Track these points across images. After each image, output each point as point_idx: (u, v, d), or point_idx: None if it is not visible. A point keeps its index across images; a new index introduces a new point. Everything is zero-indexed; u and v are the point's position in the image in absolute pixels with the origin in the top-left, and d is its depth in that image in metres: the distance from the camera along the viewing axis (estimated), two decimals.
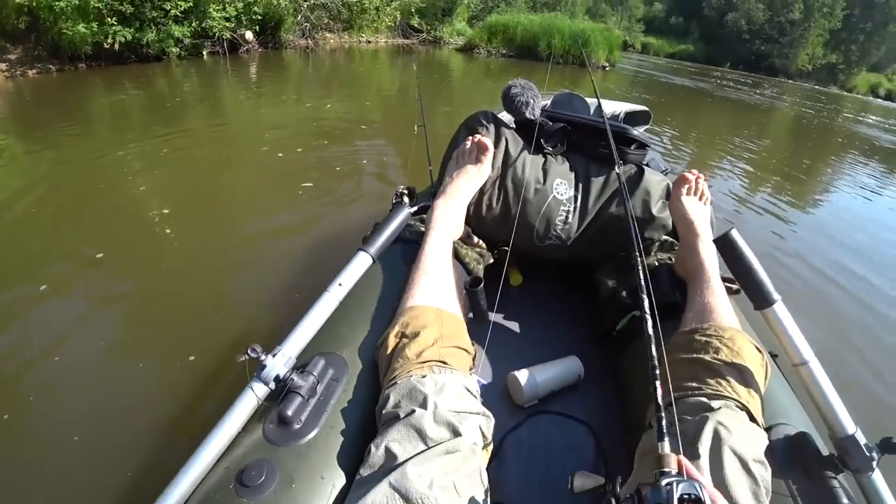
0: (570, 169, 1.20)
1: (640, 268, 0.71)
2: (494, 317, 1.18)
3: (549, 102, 1.48)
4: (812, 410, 0.77)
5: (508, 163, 1.15)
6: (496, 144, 1.16)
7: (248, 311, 1.63)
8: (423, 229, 1.00)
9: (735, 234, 0.80)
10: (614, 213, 1.15)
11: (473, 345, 0.83)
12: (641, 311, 0.65)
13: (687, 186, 1.08)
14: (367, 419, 0.69)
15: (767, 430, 0.73)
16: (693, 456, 0.60)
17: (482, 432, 0.67)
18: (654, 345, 0.60)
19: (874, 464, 0.66)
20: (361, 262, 0.87)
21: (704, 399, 0.68)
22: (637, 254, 0.75)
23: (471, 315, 1.05)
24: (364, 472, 0.58)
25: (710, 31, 32.48)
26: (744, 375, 0.71)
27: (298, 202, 2.46)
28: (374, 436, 0.63)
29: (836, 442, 0.70)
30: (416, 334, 0.73)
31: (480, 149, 1.09)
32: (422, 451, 0.58)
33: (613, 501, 0.46)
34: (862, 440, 0.67)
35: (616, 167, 1.06)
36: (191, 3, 5.69)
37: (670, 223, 1.14)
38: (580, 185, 1.18)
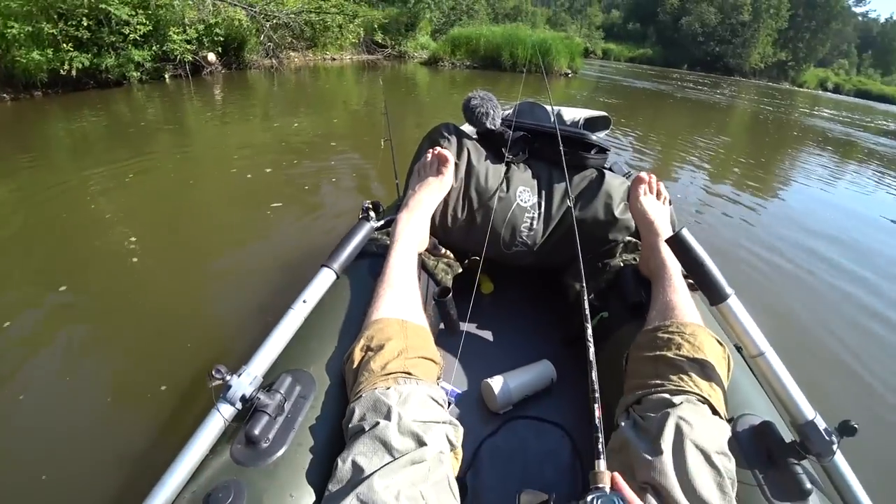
0: (532, 176, 1.23)
1: (584, 297, 0.73)
2: (467, 326, 1.18)
3: (511, 111, 1.51)
4: (776, 398, 0.79)
5: (471, 173, 1.17)
6: (458, 155, 1.18)
7: (220, 335, 1.60)
8: (389, 243, 1.00)
9: (685, 233, 0.82)
10: (578, 216, 1.17)
11: (443, 355, 0.84)
12: (581, 329, 0.67)
13: (644, 186, 1.11)
14: (336, 434, 0.69)
15: (733, 421, 0.74)
16: (656, 452, 0.61)
17: (449, 440, 0.67)
18: (594, 370, 0.63)
19: (835, 447, 0.67)
20: (325, 279, 0.87)
21: (667, 395, 0.69)
22: (582, 286, 0.77)
23: (442, 326, 1.06)
24: (332, 487, 0.58)
25: (666, 35, 33.62)
26: (705, 369, 0.73)
27: (268, 223, 2.44)
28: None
29: (798, 428, 0.71)
30: (380, 347, 0.73)
31: (441, 161, 1.11)
32: (388, 463, 0.58)
33: None
34: (822, 425, 0.69)
35: (565, 171, 1.08)
36: (150, 27, 5.60)
37: (633, 224, 1.16)
38: (543, 192, 1.20)
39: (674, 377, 0.72)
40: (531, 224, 1.17)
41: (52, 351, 1.52)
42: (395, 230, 0.99)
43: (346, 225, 1.02)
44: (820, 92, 32.77)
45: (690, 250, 0.80)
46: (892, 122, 14.72)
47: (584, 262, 1.17)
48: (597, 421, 0.56)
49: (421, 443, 0.62)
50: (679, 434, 0.62)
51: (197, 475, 0.62)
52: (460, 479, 0.83)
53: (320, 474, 0.63)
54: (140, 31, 5.46)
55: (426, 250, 1.10)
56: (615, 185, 1.20)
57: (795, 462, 0.67)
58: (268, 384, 0.71)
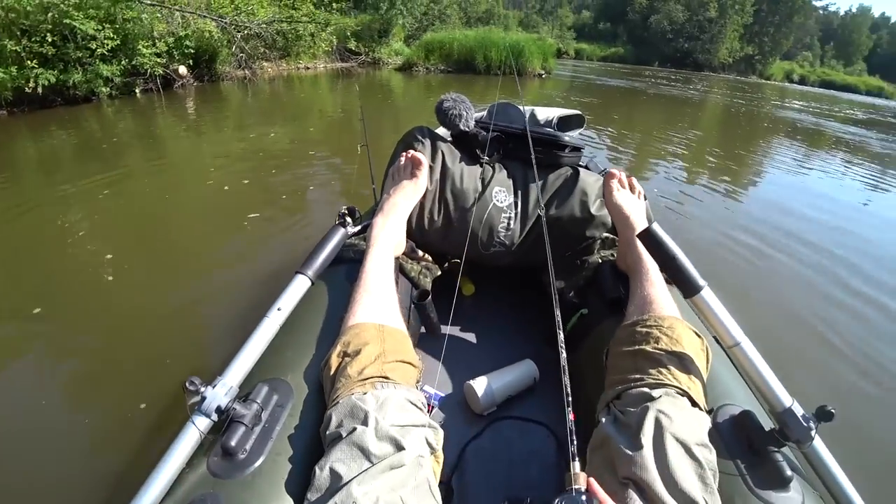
0: (508, 176, 1.23)
1: (556, 308, 0.73)
2: (449, 328, 1.18)
3: (485, 113, 1.51)
4: (754, 388, 0.80)
5: (446, 175, 1.17)
6: (433, 158, 1.17)
7: (200, 350, 1.57)
8: (364, 248, 0.99)
9: (656, 227, 0.82)
10: (554, 214, 1.18)
11: (425, 358, 0.83)
12: (556, 325, 0.67)
13: (616, 181, 1.12)
14: (316, 443, 0.68)
15: (714, 412, 0.75)
16: (636, 447, 0.61)
17: (429, 444, 0.67)
18: (567, 375, 0.63)
19: (813, 433, 0.68)
20: (299, 285, 0.86)
21: (646, 389, 0.70)
22: (554, 293, 0.77)
23: (423, 329, 1.05)
24: (311, 496, 0.57)
25: (636, 34, 34.24)
26: (684, 362, 0.73)
27: (245, 234, 2.41)
28: None
29: (776, 416, 0.72)
30: (357, 352, 0.72)
31: (414, 163, 1.11)
32: (366, 469, 0.57)
33: None
34: (799, 412, 0.69)
35: (535, 172, 1.09)
36: (118, 41, 5.49)
37: (610, 220, 1.17)
38: (519, 192, 1.21)
39: (653, 371, 0.72)
40: (508, 224, 1.17)
41: (27, 375, 1.48)
42: (370, 235, 0.99)
43: (323, 232, 1.02)
44: (787, 84, 33.76)
45: (662, 245, 0.81)
46: (859, 111, 15.23)
47: (563, 260, 1.19)
48: (570, 424, 0.56)
49: (399, 447, 0.61)
50: (659, 428, 0.62)
51: (173, 490, 0.61)
52: (446, 483, 0.83)
53: (299, 484, 0.62)
54: (107, 45, 5.34)
55: (404, 254, 1.10)
56: (590, 182, 1.21)
57: (776, 450, 0.68)
58: (244, 394, 0.70)
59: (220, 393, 0.66)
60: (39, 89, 4.86)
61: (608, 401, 0.74)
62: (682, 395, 0.69)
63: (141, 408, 1.32)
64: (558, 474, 0.88)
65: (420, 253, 1.14)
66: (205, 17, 7.02)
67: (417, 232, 1.15)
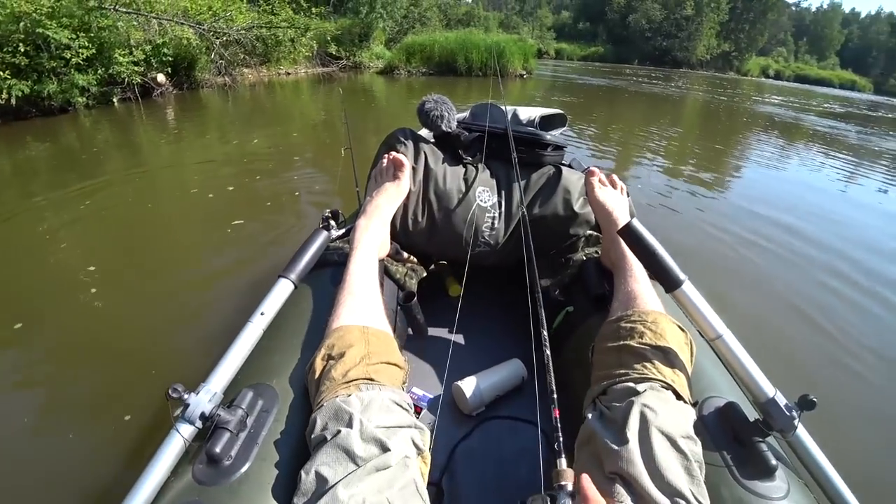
0: (491, 176, 1.24)
1: (540, 307, 0.74)
2: (436, 329, 1.18)
3: (467, 114, 1.52)
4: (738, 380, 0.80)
5: (430, 176, 1.17)
6: (416, 159, 1.18)
7: (185, 359, 1.55)
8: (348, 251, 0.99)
9: (636, 223, 0.83)
10: (538, 213, 1.19)
11: (413, 360, 0.83)
12: (531, 322, 0.67)
13: (597, 178, 1.13)
14: (302, 448, 0.67)
15: (699, 404, 0.76)
16: (622, 441, 0.62)
17: (416, 445, 0.67)
18: (551, 373, 0.63)
19: (796, 422, 0.69)
20: (282, 289, 0.85)
21: (631, 384, 0.70)
22: (537, 291, 0.78)
23: (409, 330, 1.05)
24: (297, 500, 0.57)
25: (615, 33, 34.66)
26: (668, 356, 0.74)
27: (230, 241, 2.38)
28: None
29: (760, 407, 0.72)
30: (341, 355, 0.72)
31: (396, 165, 1.11)
32: (352, 472, 0.57)
33: None
34: (782, 401, 0.70)
35: (517, 171, 1.10)
36: (93, 50, 5.39)
37: (593, 218, 1.18)
38: (503, 192, 1.21)
39: (637, 365, 0.72)
40: (492, 224, 1.17)
41: (8, 392, 1.45)
42: (353, 237, 0.98)
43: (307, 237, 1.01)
44: (763, 79, 34.48)
45: (641, 240, 0.81)
46: (836, 105, 15.59)
47: (548, 258, 1.20)
48: (555, 421, 0.56)
49: (385, 449, 0.61)
50: (644, 422, 0.63)
51: (158, 499, 0.60)
52: (436, 484, 0.82)
53: (286, 489, 0.62)
54: (83, 54, 5.24)
55: (389, 256, 1.09)
56: (573, 180, 1.22)
57: (760, 440, 0.68)
58: (229, 400, 0.69)
59: (203, 399, 0.65)
60: (13, 101, 4.75)
61: (594, 396, 0.75)
62: (667, 389, 0.70)
63: (126, 420, 1.30)
64: (549, 472, 0.88)
65: (405, 255, 1.14)
66: (182, 24, 6.92)
67: (402, 233, 1.15)
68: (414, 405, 0.82)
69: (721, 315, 0.78)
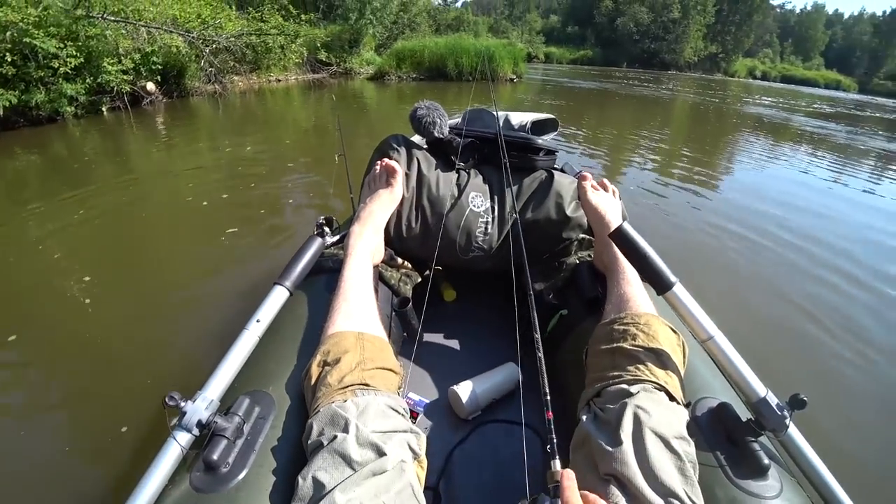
0: (483, 181, 1.24)
1: (532, 309, 0.74)
2: (431, 335, 1.19)
3: (459, 120, 1.53)
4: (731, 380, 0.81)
5: (422, 182, 1.17)
6: (408, 165, 1.18)
7: (181, 369, 1.54)
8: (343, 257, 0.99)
9: (626, 226, 0.84)
10: (531, 218, 1.20)
11: (408, 365, 0.83)
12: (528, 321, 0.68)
13: (589, 182, 1.14)
14: (299, 454, 0.67)
15: (692, 405, 0.76)
16: (616, 443, 0.62)
17: (412, 449, 0.67)
18: (544, 376, 0.63)
19: (787, 421, 0.70)
20: (278, 297, 0.86)
21: (624, 385, 0.71)
22: (530, 293, 0.78)
23: (405, 335, 1.05)
24: None
25: (604, 36, 34.95)
26: (661, 358, 0.74)
27: (224, 249, 2.37)
28: None
29: (752, 406, 0.73)
30: (337, 361, 0.72)
31: (389, 172, 1.11)
32: (349, 477, 0.58)
33: None
34: (774, 401, 0.71)
35: (509, 176, 1.11)
36: (81, 59, 5.35)
37: (586, 221, 1.19)
38: (495, 196, 1.22)
39: (630, 367, 0.73)
40: (486, 228, 1.18)
41: (3, 405, 1.44)
42: (347, 244, 0.99)
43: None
44: (750, 80, 34.94)
45: (632, 243, 0.82)
46: (824, 105, 15.80)
47: (541, 262, 1.21)
48: (548, 423, 0.57)
49: (381, 453, 0.61)
50: (637, 423, 0.63)
51: None
52: (433, 488, 0.82)
53: (283, 495, 0.62)
54: (71, 63, 5.21)
55: (383, 262, 1.10)
56: (565, 184, 1.23)
57: (753, 440, 0.69)
58: (226, 408, 0.69)
59: (200, 407, 0.65)
60: (0, 111, 4.71)
61: (588, 399, 0.75)
62: (660, 390, 0.70)
63: (122, 431, 1.29)
64: (544, 474, 0.89)
65: (399, 260, 1.14)
66: (171, 32, 6.90)
67: (396, 239, 1.16)
68: (410, 410, 0.83)
69: (712, 315, 0.79)
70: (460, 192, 1.19)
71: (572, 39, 38.06)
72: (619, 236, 0.84)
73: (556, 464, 0.53)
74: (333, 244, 1.09)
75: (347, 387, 0.69)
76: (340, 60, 11.76)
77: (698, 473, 0.62)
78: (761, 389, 0.73)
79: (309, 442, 0.64)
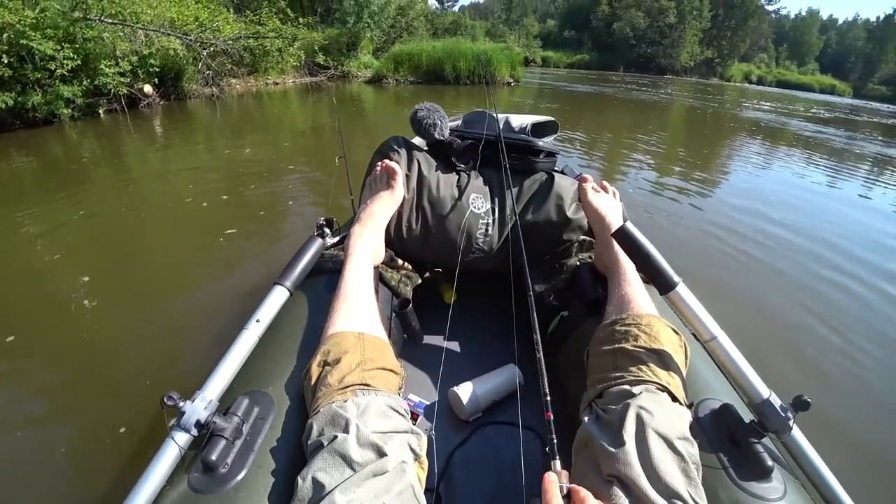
0: (484, 183, 1.24)
1: (533, 310, 0.74)
2: (431, 336, 1.18)
3: (460, 122, 1.53)
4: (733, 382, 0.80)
5: (423, 183, 1.17)
6: (409, 167, 1.18)
7: (180, 369, 1.54)
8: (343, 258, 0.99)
9: (629, 226, 0.83)
10: (531, 219, 1.20)
11: (408, 367, 0.83)
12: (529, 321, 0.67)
13: (590, 184, 1.14)
14: (298, 455, 0.67)
15: (694, 406, 0.76)
16: (619, 444, 0.62)
17: (412, 450, 0.67)
18: (544, 377, 0.63)
19: (791, 423, 0.69)
20: (278, 297, 0.85)
21: (626, 386, 0.70)
22: (530, 294, 0.78)
23: (405, 337, 1.05)
24: None
25: (601, 41, 35.11)
26: (663, 358, 0.74)
27: (223, 250, 2.37)
28: None
29: (755, 408, 0.72)
30: (337, 361, 0.72)
31: (390, 173, 1.11)
32: (349, 477, 0.57)
33: None
34: (777, 402, 0.70)
35: (508, 178, 1.11)
36: (78, 61, 5.34)
37: (586, 223, 1.19)
38: (496, 198, 1.22)
39: (633, 368, 0.72)
40: (486, 230, 1.18)
41: (1, 406, 1.43)
42: (348, 244, 0.98)
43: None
44: (746, 84, 35.17)
45: (635, 242, 0.82)
46: (823, 110, 15.93)
47: (542, 263, 1.20)
48: (548, 424, 0.57)
49: (381, 454, 0.61)
50: (640, 424, 0.63)
51: None
52: (433, 490, 0.82)
53: (282, 496, 0.61)
54: (68, 65, 5.19)
55: (383, 263, 1.09)
56: (565, 186, 1.23)
57: (756, 441, 0.68)
58: (224, 408, 0.69)
59: (199, 407, 0.64)
60: None
61: (590, 400, 0.75)
62: (663, 391, 0.70)
63: (120, 432, 1.29)
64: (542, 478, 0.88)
65: (399, 262, 1.14)
66: (169, 34, 6.89)
67: (396, 241, 1.15)
68: (410, 412, 0.82)
69: (714, 316, 0.79)
70: (461, 193, 1.19)
71: (569, 44, 38.24)
72: (623, 236, 0.84)
73: (557, 464, 0.53)
74: (334, 245, 1.09)
75: (348, 387, 0.69)
76: (338, 64, 11.78)
77: (701, 475, 0.61)
78: (764, 391, 0.72)
79: (309, 442, 0.63)
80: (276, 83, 10.09)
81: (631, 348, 0.75)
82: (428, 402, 1.01)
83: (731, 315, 1.90)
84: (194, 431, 0.64)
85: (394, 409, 0.69)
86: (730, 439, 0.71)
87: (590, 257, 1.14)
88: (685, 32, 32.97)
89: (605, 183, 1.18)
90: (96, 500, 1.11)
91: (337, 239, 1.10)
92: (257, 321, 0.79)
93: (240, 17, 9.31)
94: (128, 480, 1.09)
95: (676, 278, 0.79)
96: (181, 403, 0.63)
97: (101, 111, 5.90)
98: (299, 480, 0.58)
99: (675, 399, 0.70)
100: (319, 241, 0.98)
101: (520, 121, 1.55)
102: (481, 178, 1.25)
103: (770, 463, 0.66)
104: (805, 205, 3.79)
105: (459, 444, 0.93)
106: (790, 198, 3.97)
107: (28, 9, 5.01)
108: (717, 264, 2.51)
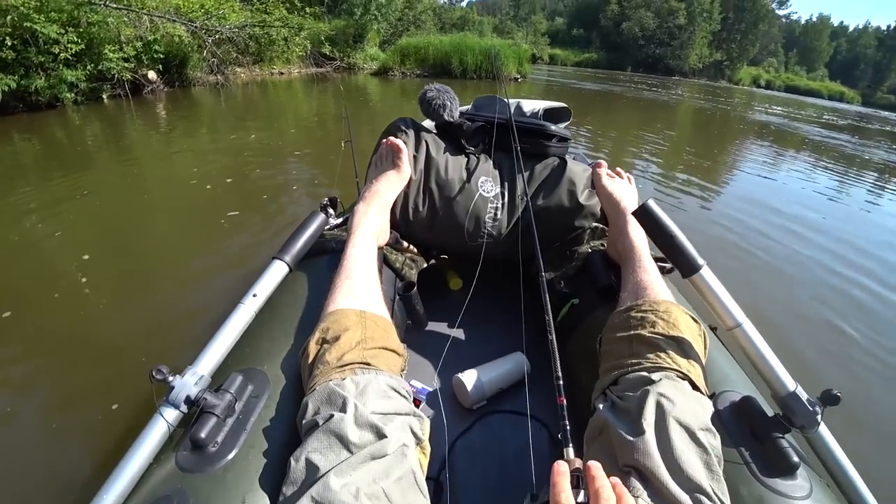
0: (494, 166, 1.20)
1: (545, 292, 0.71)
2: (435, 323, 1.15)
3: (470, 107, 1.49)
4: (755, 374, 0.77)
5: (431, 165, 1.13)
6: (417, 148, 1.14)
7: (176, 348, 1.52)
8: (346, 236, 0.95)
9: (652, 204, 0.79)
10: (542, 205, 1.16)
11: (411, 353, 0.79)
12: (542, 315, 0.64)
13: (605, 169, 1.10)
14: (293, 436, 0.63)
15: (712, 398, 0.72)
16: (638, 432, 0.58)
17: (414, 433, 0.63)
18: (556, 359, 0.61)
19: (819, 418, 0.66)
20: (277, 272, 0.82)
21: (644, 373, 0.66)
22: (542, 275, 0.75)
23: (409, 322, 1.01)
24: (286, 489, 0.53)
25: (609, 40, 34.97)
26: (682, 346, 0.70)
27: (225, 232, 2.35)
28: None
29: (780, 401, 0.69)
30: (336, 338, 0.68)
31: (394, 150, 1.07)
32: (345, 459, 0.53)
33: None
34: (804, 396, 0.67)
35: (520, 161, 1.08)
36: (82, 46, 5.30)
37: (598, 210, 1.15)
38: (506, 182, 1.18)
39: (651, 355, 0.69)
40: (495, 214, 1.14)
41: None
42: (351, 222, 0.95)
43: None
44: (754, 88, 35.03)
45: (659, 222, 0.78)
46: (834, 116, 15.84)
47: (552, 250, 1.16)
48: (560, 410, 0.54)
49: (381, 435, 0.57)
50: (661, 412, 0.59)
51: (139, 486, 0.56)
52: (435, 478, 0.78)
53: (275, 477, 0.58)
54: (72, 49, 5.15)
55: (388, 245, 1.06)
56: (578, 171, 1.19)
57: (780, 436, 0.65)
58: (217, 385, 0.65)
59: (189, 382, 0.61)
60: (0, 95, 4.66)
61: (604, 387, 0.71)
62: (683, 379, 0.66)
63: (113, 408, 1.27)
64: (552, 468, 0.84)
65: (405, 244, 1.10)
66: (174, 21, 6.85)
67: (402, 223, 1.12)
68: (413, 397, 0.78)
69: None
70: (469, 176, 1.15)
71: (577, 42, 38.07)
72: (645, 214, 0.79)
73: (570, 452, 0.50)
74: (337, 226, 1.05)
75: (347, 365, 0.65)
76: (344, 55, 11.71)
77: (722, 469, 0.58)
78: (791, 383, 0.69)
79: (303, 422, 0.60)
80: (282, 73, 10.04)
81: (648, 335, 0.71)
82: (431, 389, 0.98)
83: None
84: (184, 408, 0.61)
85: (395, 390, 0.65)
86: (751, 433, 0.67)
87: (602, 245, 1.11)
88: (694, 34, 32.80)
89: (619, 169, 1.14)
90: (87, 477, 1.09)
91: (340, 220, 1.06)
92: (254, 296, 0.76)
93: (246, 6, 9.27)
94: (118, 458, 1.08)
95: (701, 261, 0.75)
96: (171, 378, 0.61)
97: (104, 96, 5.87)
98: (292, 461, 0.55)
99: (695, 388, 0.66)
100: (322, 216, 0.94)
101: (531, 106, 1.50)
102: (491, 162, 1.21)
103: (795, 459, 0.62)
104: (822, 208, 3.79)
105: (463, 432, 0.89)
106: (804, 197, 3.98)
107: None
108: (723, 262, 2.47)
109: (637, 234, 0.93)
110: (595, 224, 1.17)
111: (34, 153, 3.80)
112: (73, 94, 5.39)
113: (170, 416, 0.61)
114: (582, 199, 1.15)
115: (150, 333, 1.62)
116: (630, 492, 0.53)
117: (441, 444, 0.85)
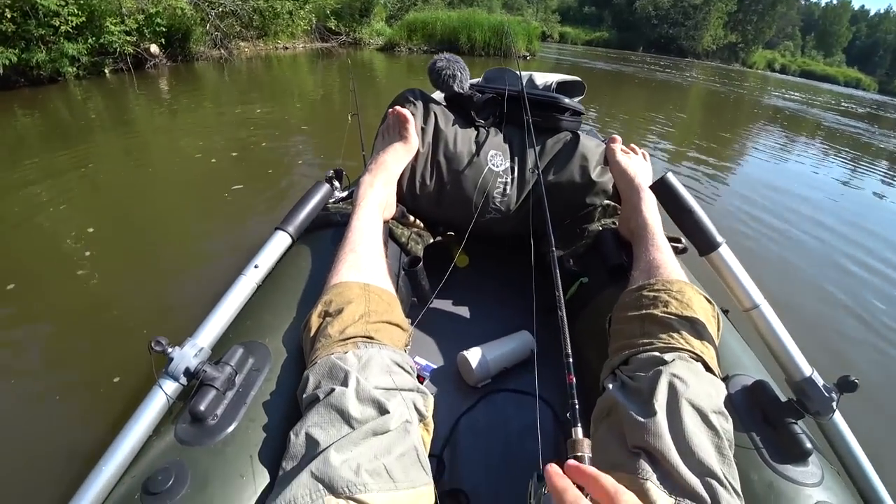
0: (504, 140, 1.16)
1: (555, 267, 0.69)
2: (441, 300, 1.13)
3: (481, 79, 1.44)
4: (767, 359, 0.75)
5: (439, 137, 1.09)
6: (425, 120, 1.10)
7: (177, 322, 1.53)
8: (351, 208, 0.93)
9: (671, 177, 0.76)
10: (553, 180, 1.12)
11: (416, 330, 0.77)
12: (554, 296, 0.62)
13: (619, 144, 1.06)
14: (293, 410, 0.62)
15: (724, 381, 0.70)
16: (649, 413, 0.56)
17: (418, 409, 0.61)
18: (566, 335, 0.59)
19: (834, 404, 0.64)
20: (279, 242, 0.80)
21: (657, 353, 0.64)
22: (552, 250, 0.73)
23: (414, 299, 0.99)
24: (286, 464, 0.52)
25: (621, 18, 34.18)
26: (696, 327, 0.68)
27: (228, 205, 2.35)
28: None
29: (794, 386, 0.68)
30: (339, 311, 0.66)
31: (401, 121, 1.03)
32: (346, 434, 0.52)
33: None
34: (819, 381, 0.66)
35: (532, 134, 1.05)
36: (83, 18, 5.21)
37: (610, 187, 1.12)
38: (516, 157, 1.14)
39: (663, 335, 0.66)
40: (504, 189, 1.11)
41: None
42: (357, 193, 0.92)
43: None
44: (768, 72, 34.26)
45: (678, 196, 0.75)
46: (852, 104, 15.51)
47: (562, 227, 1.13)
48: (570, 388, 0.51)
49: (383, 411, 0.55)
50: (673, 393, 0.57)
51: (138, 459, 0.56)
52: (438, 455, 0.77)
53: (274, 451, 0.57)
54: (72, 22, 5.06)
55: (394, 218, 1.03)
56: (591, 147, 1.15)
57: (793, 422, 0.63)
58: (217, 357, 0.64)
59: (189, 354, 0.60)
60: (0, 69, 4.60)
61: (614, 367, 0.69)
62: (696, 360, 0.64)
63: (115, 381, 1.28)
64: (556, 448, 0.83)
65: (411, 218, 1.07)
66: None
67: (409, 196, 1.09)
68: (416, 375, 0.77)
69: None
70: (478, 149, 1.11)
71: (588, 20, 37.27)
72: (663, 187, 0.76)
73: (578, 431, 0.47)
74: (342, 199, 1.02)
75: (349, 338, 0.63)
76: (350, 30, 11.50)
77: (733, 453, 0.56)
78: (807, 368, 0.67)
79: (304, 396, 0.58)
80: (286, 48, 9.89)
81: (661, 314, 0.69)
82: (435, 366, 0.96)
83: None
84: (183, 380, 0.60)
85: (399, 366, 0.64)
86: (763, 418, 0.66)
87: (613, 223, 1.07)
88: (710, 14, 31.94)
89: (633, 146, 1.10)
90: (88, 449, 1.07)
91: (346, 194, 1.03)
92: (256, 266, 0.74)
93: None
94: (117, 431, 1.07)
95: (720, 238, 0.72)
96: (170, 349, 0.59)
97: (106, 70, 5.81)
98: (292, 436, 0.53)
99: (708, 370, 0.64)
100: (327, 186, 0.91)
101: (544, 79, 1.45)
102: (501, 136, 1.17)
103: (808, 445, 0.61)
104: (837, 193, 3.75)
105: (466, 410, 0.88)
106: (822, 183, 3.95)
107: None
108: (742, 237, 2.47)
109: (651, 211, 0.90)
110: (607, 201, 1.14)
111: (36, 128, 3.78)
112: (74, 69, 5.34)
113: (169, 388, 0.60)
114: (594, 175, 1.12)
115: (153, 306, 1.62)
116: (639, 474, 0.51)
117: (444, 421, 0.84)
